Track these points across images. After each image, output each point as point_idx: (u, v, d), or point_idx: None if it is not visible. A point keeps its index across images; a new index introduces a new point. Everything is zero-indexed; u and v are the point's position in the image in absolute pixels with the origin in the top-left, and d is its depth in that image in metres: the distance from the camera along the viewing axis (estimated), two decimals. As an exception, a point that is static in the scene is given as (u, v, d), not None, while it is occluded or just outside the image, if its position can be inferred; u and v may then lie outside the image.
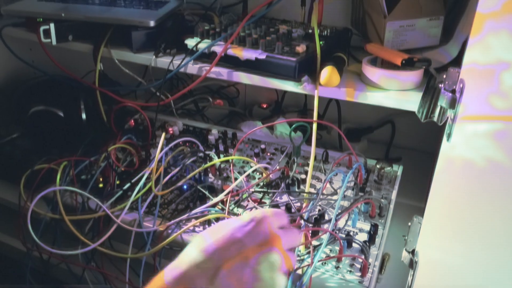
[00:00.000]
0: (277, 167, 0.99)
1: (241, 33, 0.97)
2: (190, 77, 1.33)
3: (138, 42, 1.05)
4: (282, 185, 0.91)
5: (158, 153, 0.90)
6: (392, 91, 0.85)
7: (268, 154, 1.06)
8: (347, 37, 1.07)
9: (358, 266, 0.76)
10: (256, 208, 0.85)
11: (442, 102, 0.52)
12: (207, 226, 0.84)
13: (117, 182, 0.94)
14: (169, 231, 0.83)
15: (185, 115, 1.33)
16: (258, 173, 0.99)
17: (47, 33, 1.06)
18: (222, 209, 0.86)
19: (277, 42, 0.92)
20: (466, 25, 0.93)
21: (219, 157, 1.01)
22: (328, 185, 0.91)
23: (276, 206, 0.86)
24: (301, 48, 0.91)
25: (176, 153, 0.99)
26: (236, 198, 0.89)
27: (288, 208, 0.86)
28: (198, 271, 0.53)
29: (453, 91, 0.52)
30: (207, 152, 1.00)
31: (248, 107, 1.43)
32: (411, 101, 0.81)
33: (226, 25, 1.03)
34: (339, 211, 0.81)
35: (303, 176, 0.96)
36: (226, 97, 1.41)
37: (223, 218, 0.83)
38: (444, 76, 0.55)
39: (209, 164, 0.95)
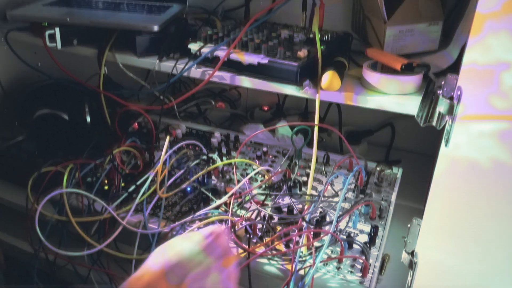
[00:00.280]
0: (279, 170, 1.01)
1: (244, 38, 0.98)
2: (192, 80, 1.35)
3: (142, 47, 1.06)
4: (284, 187, 0.93)
5: (163, 156, 0.92)
6: (392, 95, 0.86)
7: (270, 156, 1.08)
8: (347, 42, 1.09)
9: (359, 266, 0.77)
10: (259, 211, 0.86)
11: (441, 108, 0.54)
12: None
13: (122, 184, 0.96)
14: (174, 233, 0.84)
15: (188, 118, 1.35)
16: (260, 176, 1.00)
17: (52, 37, 1.08)
18: (226, 211, 0.87)
19: (279, 47, 0.94)
20: (465, 30, 0.95)
21: (222, 160, 1.02)
22: (329, 187, 0.92)
23: (279, 208, 0.88)
24: (302, 53, 0.92)
25: (180, 156, 1.00)
26: (239, 200, 0.91)
27: (290, 210, 0.87)
28: (163, 282, 0.55)
29: (451, 98, 0.54)
30: (210, 155, 1.02)
31: (249, 109, 1.45)
32: (410, 105, 0.83)
33: (228, 29, 1.05)
34: (340, 213, 0.83)
35: (304, 179, 0.97)
36: (228, 99, 1.43)
37: (226, 220, 0.85)
38: (442, 83, 0.56)
39: (212, 166, 0.97)
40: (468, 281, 0.63)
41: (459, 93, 0.51)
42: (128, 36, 1.07)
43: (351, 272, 0.77)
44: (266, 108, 1.42)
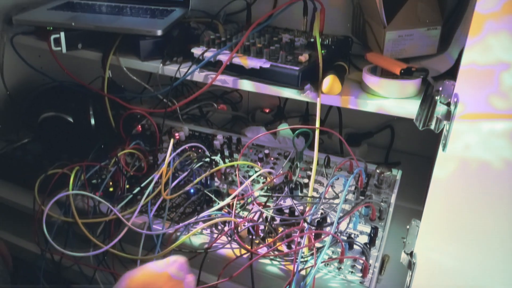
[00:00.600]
0: (281, 172, 1.03)
1: (246, 42, 1.00)
2: (194, 83, 1.36)
3: (145, 51, 1.08)
4: (286, 189, 0.94)
5: (167, 158, 0.94)
6: (392, 98, 0.88)
7: (272, 159, 1.10)
8: (348, 46, 1.10)
9: (359, 267, 0.79)
10: (261, 212, 0.88)
11: (438, 113, 0.56)
12: (214, 229, 0.88)
13: (127, 186, 0.98)
14: (178, 234, 0.86)
15: (190, 120, 1.36)
16: (262, 177, 1.02)
17: (57, 41, 1.09)
18: (229, 213, 0.89)
19: (281, 51, 0.96)
20: (464, 34, 0.96)
21: (224, 162, 1.04)
22: (330, 189, 0.94)
23: (280, 209, 0.89)
24: (303, 58, 0.94)
25: (183, 158, 1.02)
26: (242, 202, 0.92)
27: (291, 211, 0.89)
28: None
29: (448, 104, 0.56)
30: (212, 157, 1.04)
31: (250, 111, 1.47)
32: (410, 109, 0.84)
33: (231, 34, 1.06)
34: (341, 214, 0.84)
35: (305, 181, 0.99)
36: (229, 102, 1.45)
37: (229, 222, 0.86)
38: (440, 88, 0.58)
39: (215, 169, 0.99)
40: (467, 282, 0.65)
41: (456, 100, 0.53)
42: (132, 40, 1.08)
43: (352, 272, 0.78)
44: (267, 110, 1.44)
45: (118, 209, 0.90)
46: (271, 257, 0.81)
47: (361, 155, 1.22)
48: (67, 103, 1.19)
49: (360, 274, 0.78)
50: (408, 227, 0.73)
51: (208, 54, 1.00)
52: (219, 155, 1.07)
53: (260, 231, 0.85)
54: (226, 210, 0.90)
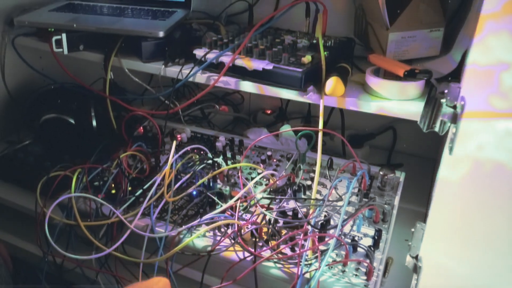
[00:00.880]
0: (284, 174, 1.03)
1: (248, 43, 1.00)
2: (196, 85, 1.36)
3: (147, 52, 1.08)
4: (289, 191, 0.94)
5: (170, 160, 0.93)
6: (395, 100, 0.88)
7: (274, 160, 1.09)
8: (350, 47, 1.10)
9: (363, 270, 0.79)
10: (265, 215, 0.88)
11: (444, 116, 0.56)
12: (217, 231, 0.87)
13: (129, 188, 0.97)
14: (181, 236, 0.86)
15: (192, 122, 1.36)
16: (265, 179, 1.02)
17: (59, 42, 1.09)
18: (232, 215, 0.89)
19: (283, 53, 0.96)
20: (467, 35, 0.96)
21: (227, 164, 1.04)
22: (333, 191, 0.94)
23: (283, 212, 0.89)
24: (306, 59, 0.94)
25: (185, 160, 1.02)
26: (245, 204, 0.92)
27: (295, 214, 0.89)
28: None
29: (454, 107, 0.55)
30: (215, 159, 1.03)
31: (252, 113, 1.47)
32: (413, 111, 0.84)
33: (233, 35, 1.06)
34: (345, 217, 0.84)
35: (308, 183, 0.99)
36: (231, 103, 1.44)
37: (233, 224, 0.86)
38: (446, 91, 0.58)
39: (218, 171, 0.98)
40: (474, 286, 0.64)
41: (463, 103, 0.53)
42: (133, 41, 1.08)
43: (356, 275, 0.78)
44: (269, 112, 1.43)
45: (121, 211, 0.89)
46: (275, 260, 0.80)
47: (363, 157, 1.21)
48: (69, 105, 1.18)
49: (365, 277, 0.77)
50: (413, 230, 0.72)
51: (211, 56, 1.00)
52: (221, 157, 1.07)
53: (263, 234, 0.85)
54: (229, 213, 0.90)
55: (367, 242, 0.85)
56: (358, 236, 0.87)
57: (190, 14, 1.21)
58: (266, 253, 0.81)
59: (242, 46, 0.98)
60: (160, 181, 0.93)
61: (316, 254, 0.78)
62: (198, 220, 0.87)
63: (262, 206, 0.91)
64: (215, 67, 1.01)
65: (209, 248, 0.84)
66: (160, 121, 1.22)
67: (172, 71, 1.06)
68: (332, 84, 0.89)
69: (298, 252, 0.79)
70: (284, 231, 0.86)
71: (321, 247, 0.81)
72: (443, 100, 0.56)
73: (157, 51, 1.08)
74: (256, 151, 1.13)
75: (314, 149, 1.06)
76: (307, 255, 0.79)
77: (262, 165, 1.07)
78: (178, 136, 1.17)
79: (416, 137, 1.27)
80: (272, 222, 0.87)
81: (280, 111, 1.41)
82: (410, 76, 0.87)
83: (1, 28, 1.24)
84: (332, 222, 0.88)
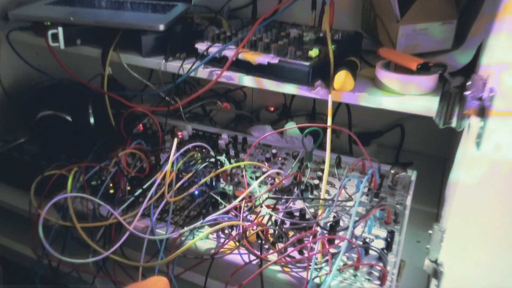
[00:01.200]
0: (290, 173, 0.98)
1: (252, 37, 0.96)
2: (197, 81, 1.32)
3: (147, 47, 1.04)
4: (296, 191, 0.90)
5: (171, 158, 0.89)
6: (408, 95, 0.84)
7: (280, 159, 1.05)
8: (358, 41, 1.06)
9: (376, 274, 0.75)
10: (270, 215, 0.83)
11: (469, 111, 0.51)
12: (221, 233, 0.83)
13: (128, 188, 0.93)
14: (183, 239, 0.81)
15: (193, 119, 1.32)
16: (270, 179, 0.97)
17: (55, 37, 1.05)
18: (236, 216, 0.84)
19: (289, 46, 0.91)
20: (479, 29, 0.92)
21: (230, 162, 0.99)
22: (342, 190, 0.89)
23: (290, 213, 0.85)
24: (314, 53, 0.90)
25: (187, 158, 0.98)
26: (250, 204, 0.88)
27: (302, 214, 0.84)
28: None
29: (480, 99, 0.51)
30: (217, 157, 0.99)
31: (255, 110, 1.42)
32: (428, 106, 0.80)
33: (236, 29, 1.02)
34: (356, 218, 0.80)
35: (316, 182, 0.95)
36: (233, 100, 1.40)
37: (237, 226, 0.82)
38: (469, 83, 0.53)
39: (221, 169, 0.94)
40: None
41: (491, 94, 0.49)
42: (133, 35, 1.04)
43: (369, 279, 0.74)
44: (272, 109, 1.40)
45: (119, 212, 0.85)
46: (283, 263, 0.76)
47: (371, 155, 1.17)
48: (66, 102, 1.15)
49: (378, 282, 0.73)
50: (430, 231, 0.68)
51: (213, 50, 0.96)
52: (224, 155, 1.02)
53: (269, 236, 0.81)
54: (233, 213, 0.86)
55: (379, 244, 0.81)
56: (370, 238, 0.83)
57: (191, 8, 1.17)
58: (273, 256, 0.77)
59: (247, 39, 0.93)
60: (161, 181, 0.89)
61: (326, 258, 0.74)
62: (201, 221, 0.83)
63: (268, 207, 0.86)
64: (218, 61, 0.97)
65: (213, 251, 0.79)
66: (160, 118, 1.18)
67: (173, 66, 1.02)
68: (342, 78, 0.84)
69: (307, 255, 0.75)
70: (291, 233, 0.82)
71: (332, 250, 0.76)
72: (467, 93, 0.52)
73: (157, 45, 1.04)
74: (260, 149, 1.09)
75: (320, 147, 1.02)
76: (316, 259, 0.75)
77: (267, 164, 1.02)
78: (179, 133, 1.13)
79: (425, 134, 1.24)
80: (278, 223, 0.83)
81: (283, 108, 1.37)
82: (423, 69, 0.83)
83: (-4, 22, 1.20)
84: (341, 223, 0.84)
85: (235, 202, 0.85)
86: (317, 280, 0.72)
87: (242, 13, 1.26)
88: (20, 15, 1.08)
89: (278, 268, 0.76)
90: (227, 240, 0.80)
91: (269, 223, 0.83)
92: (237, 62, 0.94)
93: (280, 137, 1.17)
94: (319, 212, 0.84)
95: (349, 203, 0.86)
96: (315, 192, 0.93)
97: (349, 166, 0.99)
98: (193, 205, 0.88)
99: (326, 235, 0.79)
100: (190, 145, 0.98)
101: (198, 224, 0.82)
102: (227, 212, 0.85)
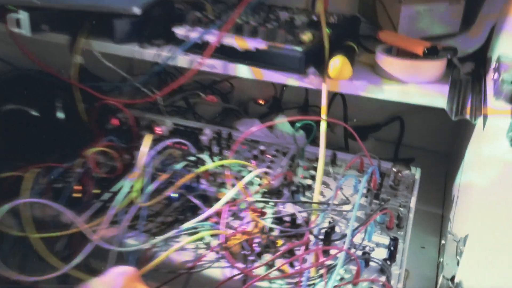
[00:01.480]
0: (279, 172, 0.88)
1: (238, 21, 0.86)
2: (179, 71, 1.22)
3: (121, 32, 0.93)
4: (286, 192, 0.80)
5: (143, 157, 0.79)
6: (413, 84, 0.74)
7: (268, 156, 0.95)
8: (355, 25, 0.96)
9: (378, 288, 0.65)
10: (257, 222, 0.73)
11: (500, 97, 0.41)
12: (199, 243, 0.73)
13: (98, 191, 0.83)
14: (156, 250, 0.71)
15: (175, 113, 1.21)
16: (257, 178, 0.87)
17: (18, 23, 0.94)
18: (217, 223, 0.74)
19: (279, 30, 0.81)
20: (491, 9, 0.83)
21: (213, 161, 0.89)
22: (338, 192, 0.79)
23: (280, 218, 0.75)
24: (306, 37, 0.80)
25: (164, 156, 0.87)
26: (233, 208, 0.78)
27: (293, 220, 0.74)
28: None
29: (512, 83, 0.41)
30: (199, 155, 0.89)
31: (243, 103, 1.32)
32: (437, 96, 0.70)
33: (220, 12, 0.92)
34: (355, 224, 0.69)
35: (308, 182, 0.85)
36: (219, 92, 1.30)
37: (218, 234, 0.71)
38: (494, 66, 0.43)
39: (201, 169, 0.84)
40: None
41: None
42: (106, 20, 0.93)
43: (370, 296, 0.64)
44: (261, 102, 1.30)
45: (84, 219, 0.75)
46: (270, 279, 0.66)
47: (369, 151, 1.07)
48: (32, 95, 1.04)
49: (381, 299, 0.63)
50: (443, 242, 0.58)
51: (194, 35, 0.85)
52: (206, 152, 0.92)
53: (255, 245, 0.70)
54: (214, 219, 0.75)
55: (381, 253, 0.71)
56: (370, 247, 0.72)
57: (172, -9, 1.06)
58: (260, 270, 0.67)
59: (232, 21, 0.83)
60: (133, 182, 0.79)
61: (321, 272, 0.64)
62: (177, 229, 0.72)
63: (255, 211, 0.76)
64: (200, 48, 0.86)
65: (190, 264, 0.69)
66: (139, 113, 1.07)
67: (150, 53, 0.91)
68: (338, 65, 0.74)
69: (300, 269, 0.65)
70: (280, 242, 0.72)
71: (327, 262, 0.66)
72: (495, 77, 0.42)
73: (133, 31, 0.94)
74: (247, 146, 0.99)
75: (313, 142, 0.92)
76: (309, 273, 0.65)
77: (254, 162, 0.92)
78: (157, 128, 1.02)
79: (426, 128, 1.14)
80: (266, 230, 0.73)
81: (274, 101, 1.27)
82: (431, 54, 0.73)
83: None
84: (337, 229, 0.74)
85: (215, 207, 0.75)
86: (310, 299, 0.62)
87: (228, -1, 1.16)
88: (-22, -3, 0.97)
89: (265, 284, 0.66)
90: (206, 252, 0.70)
91: (256, 230, 0.73)
92: (221, 49, 0.84)
93: (269, 132, 1.07)
94: (312, 217, 0.74)
95: (346, 207, 0.76)
96: (307, 194, 0.83)
97: (346, 163, 0.89)
98: (169, 210, 0.77)
99: (321, 245, 0.69)
100: (168, 141, 0.88)
101: (172, 233, 0.72)
102: (207, 218, 0.75)
